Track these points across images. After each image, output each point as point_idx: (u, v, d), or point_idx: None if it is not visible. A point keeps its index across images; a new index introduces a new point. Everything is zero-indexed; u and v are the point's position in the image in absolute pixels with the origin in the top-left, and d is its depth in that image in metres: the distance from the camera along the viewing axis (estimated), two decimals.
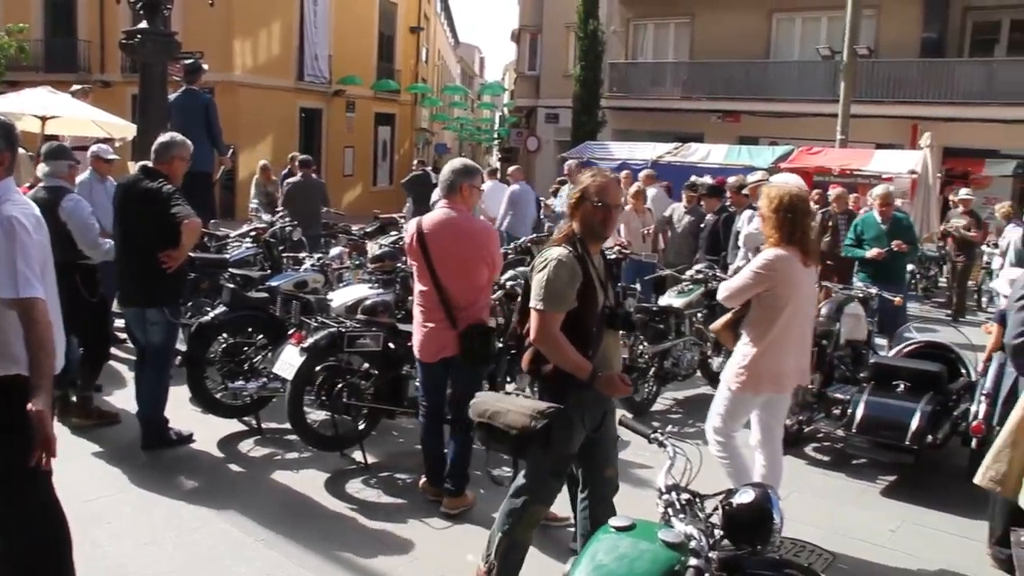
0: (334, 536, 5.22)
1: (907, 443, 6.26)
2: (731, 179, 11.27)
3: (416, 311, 5.57)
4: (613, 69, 27.88)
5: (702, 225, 10.94)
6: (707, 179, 12.76)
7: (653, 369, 8.08)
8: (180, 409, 6.96)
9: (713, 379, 9.06)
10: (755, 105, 24.62)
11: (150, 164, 6.24)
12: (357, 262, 8.73)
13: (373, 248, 9.50)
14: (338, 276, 8.70)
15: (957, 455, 6.70)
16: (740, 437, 5.33)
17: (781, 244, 4.99)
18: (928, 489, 6.45)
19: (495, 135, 47.26)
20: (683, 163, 17.82)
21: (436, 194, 14.28)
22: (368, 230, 12.45)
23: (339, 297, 7.41)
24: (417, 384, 5.90)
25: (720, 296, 5.36)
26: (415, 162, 23.30)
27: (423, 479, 5.85)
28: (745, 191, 10.13)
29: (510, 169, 15.01)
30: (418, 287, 5.55)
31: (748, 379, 5.12)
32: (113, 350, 8.10)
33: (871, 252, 9.29)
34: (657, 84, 27.15)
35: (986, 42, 23.28)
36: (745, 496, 3.17)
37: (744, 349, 5.15)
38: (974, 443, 6.22)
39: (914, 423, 6.29)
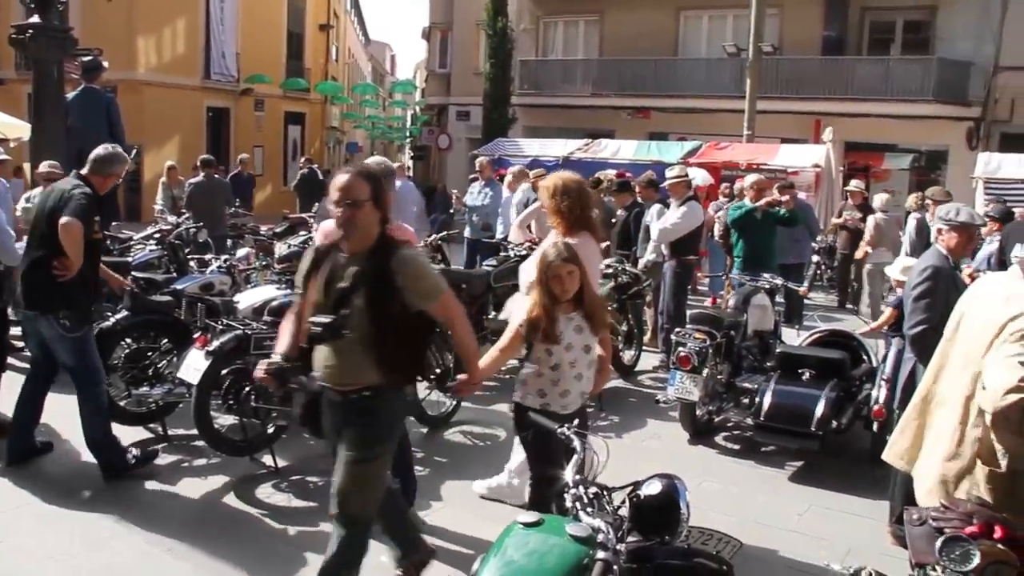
0: (246, 543, 5.12)
1: (813, 429, 6.43)
2: (650, 175, 11.33)
3: None
4: (523, 67, 27.97)
5: (613, 220, 11.01)
6: (610, 173, 12.84)
7: None
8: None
9: (625, 372, 9.17)
10: (664, 101, 24.96)
11: (84, 171, 5.97)
12: (264, 262, 8.57)
13: (281, 248, 9.34)
14: (245, 277, 8.53)
15: (860, 439, 6.91)
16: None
17: (570, 231, 5.06)
18: (833, 473, 6.61)
19: (407, 133, 46.98)
20: (594, 159, 17.98)
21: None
22: (277, 230, 12.26)
23: (246, 299, 7.25)
24: None
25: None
26: (302, 160, 23.07)
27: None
28: (664, 185, 10.21)
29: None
30: None
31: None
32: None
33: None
34: (567, 81, 27.34)
35: (882, 41, 24.01)
36: (652, 487, 3.20)
37: None
38: (876, 426, 6.45)
39: (819, 410, 6.45)
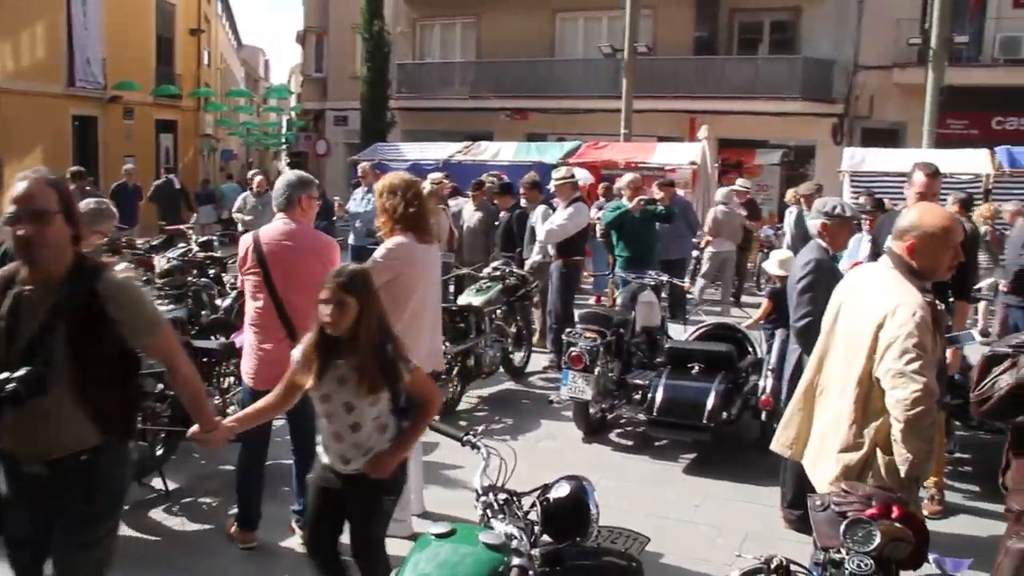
0: (138, 571, 4.93)
1: (704, 422, 6.60)
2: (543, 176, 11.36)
3: (249, 333, 5.16)
4: (401, 70, 27.83)
5: (496, 223, 11.05)
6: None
7: (456, 368, 8.09)
8: None
9: (516, 374, 9.23)
10: (542, 102, 25.22)
11: None
12: (145, 277, 8.27)
13: (161, 262, 9.04)
14: None
15: (750, 428, 7.11)
16: None
17: (395, 230, 5.09)
18: (726, 463, 6.79)
19: (282, 139, 46.15)
20: (474, 162, 18.00)
21: (239, 202, 13.84)
22: (154, 243, 11.85)
23: None
24: (216, 404, 5.64)
25: None
26: (164, 169, 22.48)
27: (233, 524, 5.32)
28: (550, 187, 10.28)
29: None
30: (252, 306, 5.13)
31: None
32: None
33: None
34: (445, 84, 27.32)
35: (751, 41, 24.81)
36: (561, 490, 3.23)
37: None
38: (764, 415, 6.66)
39: (709, 402, 6.62)
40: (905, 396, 3.29)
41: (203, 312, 8.49)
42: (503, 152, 18.77)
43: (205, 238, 11.57)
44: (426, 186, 11.63)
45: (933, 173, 5.82)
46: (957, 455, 6.85)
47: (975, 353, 7.25)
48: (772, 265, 7.36)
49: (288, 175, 5.36)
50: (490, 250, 10.91)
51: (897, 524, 2.56)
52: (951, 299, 5.83)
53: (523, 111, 25.91)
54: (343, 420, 3.69)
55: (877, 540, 2.49)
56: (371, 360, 3.58)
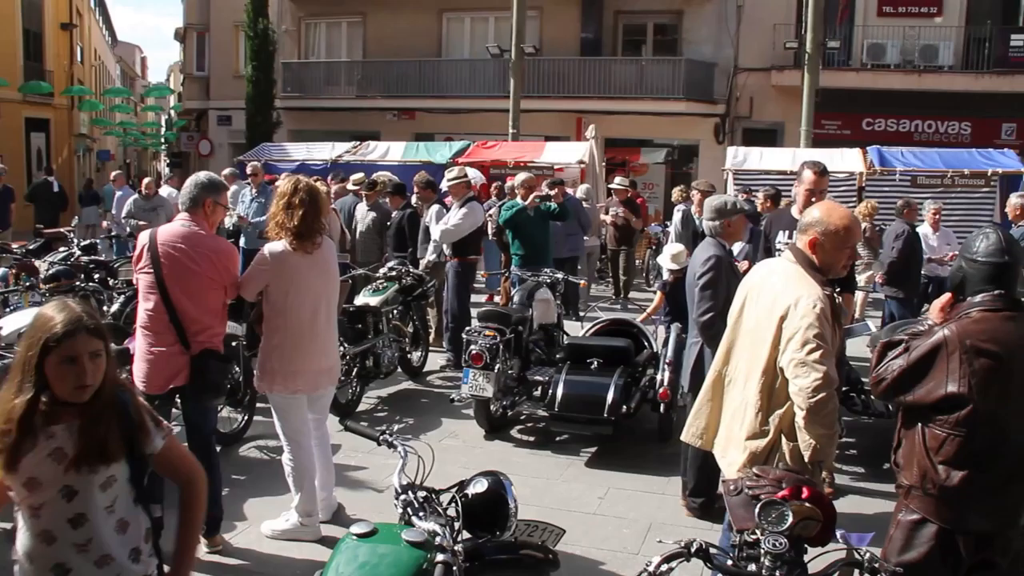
0: None
1: (605, 415, 6.72)
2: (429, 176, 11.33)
3: (140, 336, 5.05)
4: (286, 69, 27.35)
5: (388, 223, 11.00)
6: (387, 175, 12.77)
7: (355, 369, 8.04)
8: None
9: (414, 374, 9.23)
10: (430, 102, 25.22)
11: None
12: (28, 283, 7.95)
13: (44, 266, 8.69)
14: (3, 300, 7.89)
15: (648, 420, 7.28)
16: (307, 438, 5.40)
17: (279, 236, 5.11)
18: (627, 455, 6.93)
19: (163, 140, 44.86)
20: (362, 162, 17.85)
21: (128, 206, 13.39)
22: (31, 247, 11.39)
23: (9, 323, 6.69)
24: None
25: (240, 289, 5.33)
26: (44, 170, 21.64)
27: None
28: (444, 187, 10.29)
29: (224, 172, 14.29)
30: (144, 307, 5.01)
31: (261, 377, 5.24)
32: None
33: None
34: (332, 83, 27.00)
35: (635, 43, 25.37)
36: (479, 486, 3.28)
37: (261, 346, 5.27)
38: (662, 408, 6.84)
39: (609, 396, 6.74)
40: (807, 385, 3.47)
41: None
42: (392, 152, 18.68)
43: (88, 242, 11.17)
44: (336, 187, 11.55)
45: (821, 171, 6.09)
46: (844, 439, 7.16)
47: (860, 343, 7.65)
48: (666, 260, 7.56)
49: (200, 176, 5.24)
50: (384, 250, 10.85)
51: (807, 504, 2.69)
52: (838, 292, 6.10)
53: (410, 111, 25.86)
54: (59, 513, 2.62)
55: (789, 520, 2.61)
56: (108, 418, 2.63)
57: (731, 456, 3.94)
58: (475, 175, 15.11)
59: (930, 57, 22.27)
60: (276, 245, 5.10)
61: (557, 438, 7.36)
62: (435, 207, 10.23)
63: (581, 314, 10.58)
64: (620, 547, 5.32)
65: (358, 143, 19.57)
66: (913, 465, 3.35)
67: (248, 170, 12.70)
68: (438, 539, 2.95)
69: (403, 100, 25.70)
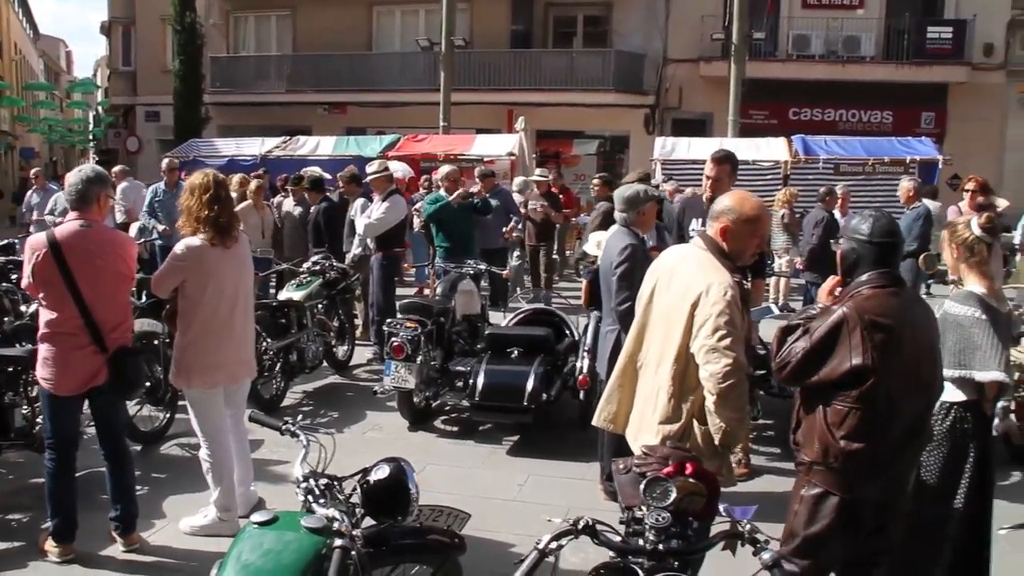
0: None
1: (526, 404, 6.77)
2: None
3: (49, 342, 4.83)
4: (215, 63, 27.01)
5: (309, 218, 10.91)
6: (316, 170, 12.70)
7: (279, 364, 7.98)
8: None
9: (340, 368, 9.20)
10: (361, 96, 25.10)
11: None
12: None
13: None
14: None
15: (569, 408, 7.35)
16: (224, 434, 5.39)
17: (195, 231, 5.08)
18: (548, 443, 6.99)
19: (90, 136, 43.92)
20: (292, 157, 17.72)
21: (51, 203, 13.07)
22: None
23: None
24: (25, 414, 5.37)
25: (152, 287, 5.37)
26: None
27: (47, 537, 5.00)
28: (366, 180, 10.22)
29: (115, 170, 14.06)
30: (50, 314, 4.80)
31: (178, 373, 5.22)
32: None
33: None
34: (261, 78, 26.73)
35: (566, 34, 25.53)
36: (380, 472, 3.29)
37: (176, 342, 5.26)
38: (582, 395, 6.91)
39: (529, 385, 6.79)
40: (717, 371, 3.55)
41: (6, 319, 8.03)
42: (322, 146, 18.55)
43: (5, 241, 10.88)
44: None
45: (719, 159, 6.18)
46: (760, 421, 7.31)
47: (771, 326, 7.80)
48: (591, 246, 7.63)
49: (84, 169, 5.08)
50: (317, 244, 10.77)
51: (691, 479, 2.76)
52: (748, 278, 6.22)
53: (342, 105, 25.71)
54: None
55: (673, 495, 2.67)
56: None
57: (643, 440, 3.99)
58: (402, 169, 15.10)
59: (853, 48, 22.82)
60: (193, 240, 5.04)
61: (480, 428, 7.41)
62: (360, 200, 10.20)
63: (509, 304, 10.62)
64: (538, 532, 5.31)
65: (288, 138, 19.41)
66: (814, 442, 3.45)
67: (164, 166, 12.43)
68: (336, 524, 2.98)
69: (334, 94, 25.55)
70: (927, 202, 10.74)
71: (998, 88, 23.04)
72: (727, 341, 3.57)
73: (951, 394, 3.97)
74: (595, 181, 10.67)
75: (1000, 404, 4.23)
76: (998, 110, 23.04)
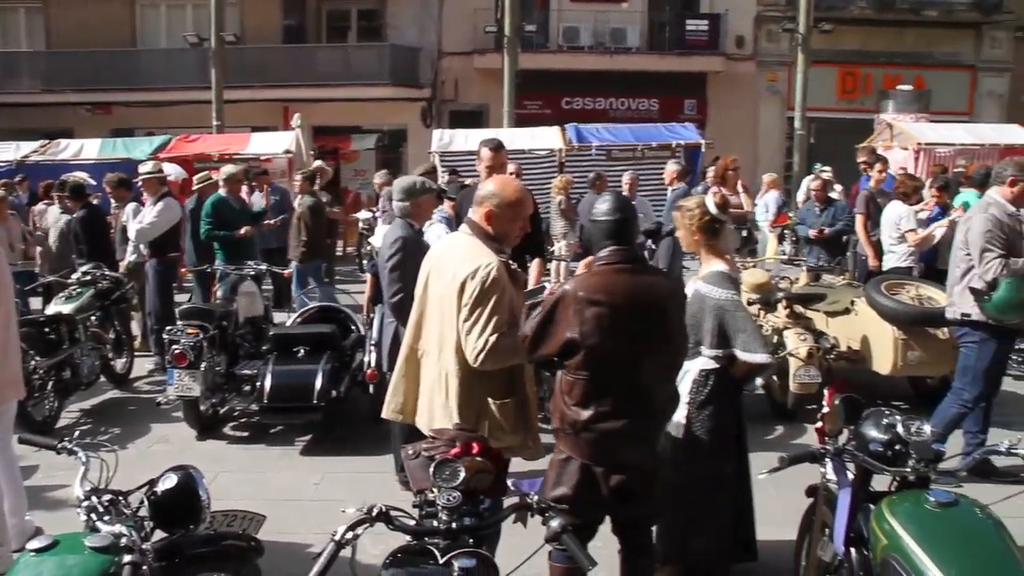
0: None
1: (315, 402, 6.75)
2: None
3: None
4: None
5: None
6: (82, 175, 12.04)
7: (51, 383, 7.53)
8: None
9: (119, 381, 8.79)
10: (126, 95, 23.80)
11: None
12: None
13: None
14: None
15: (360, 403, 7.38)
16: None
17: None
18: (341, 439, 7.01)
19: None
20: (53, 161, 16.60)
21: None
22: None
23: None
24: None
25: None
26: None
27: None
28: (137, 182, 9.79)
29: None
30: None
31: None
32: None
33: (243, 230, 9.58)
34: (13, 76, 24.77)
35: (340, 29, 25.30)
36: (168, 482, 3.23)
37: None
38: (371, 389, 6.95)
39: (317, 383, 6.78)
40: (480, 345, 3.77)
41: None
42: (86, 149, 17.42)
43: None
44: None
45: (495, 147, 6.35)
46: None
47: None
48: (377, 240, 7.69)
49: None
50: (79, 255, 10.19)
51: (478, 458, 2.87)
52: (528, 260, 6.43)
53: (106, 105, 24.28)
54: None
55: (462, 475, 2.77)
56: None
57: (438, 425, 4.09)
58: (175, 171, 14.51)
59: (619, 40, 23.93)
60: None
61: (271, 430, 7.30)
62: (131, 205, 9.80)
63: (294, 305, 10.48)
64: (335, 528, 5.35)
65: (47, 141, 18.13)
66: (556, 409, 3.75)
67: None
68: (124, 540, 2.89)
69: (97, 94, 24.04)
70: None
71: (750, 77, 24.87)
72: (493, 320, 3.77)
73: (706, 363, 4.28)
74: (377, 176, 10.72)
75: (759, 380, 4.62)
76: (751, 97, 24.84)
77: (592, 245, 3.82)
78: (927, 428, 3.39)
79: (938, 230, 8.72)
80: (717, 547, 4.36)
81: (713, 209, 4.40)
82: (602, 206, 3.76)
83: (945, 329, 6.97)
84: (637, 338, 3.59)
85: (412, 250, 5.38)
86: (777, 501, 4.88)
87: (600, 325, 3.53)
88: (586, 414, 3.62)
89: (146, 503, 3.19)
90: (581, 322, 3.54)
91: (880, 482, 3.53)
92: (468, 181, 11.93)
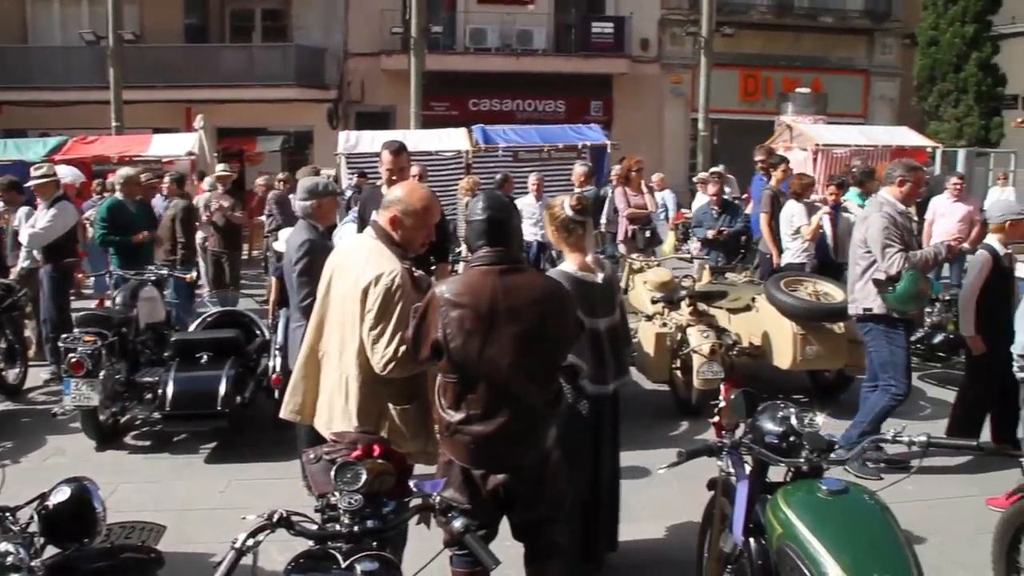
0: None
1: (219, 408, 6.62)
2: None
3: None
4: None
5: None
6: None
7: None
8: None
9: (12, 393, 8.49)
10: (17, 94, 22.92)
11: None
12: None
13: None
14: None
15: (266, 408, 7.23)
16: None
17: None
18: (247, 446, 6.90)
19: None
20: None
21: None
22: None
23: None
24: None
25: None
26: None
27: None
28: (30, 186, 9.44)
29: None
30: None
31: None
32: None
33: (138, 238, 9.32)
34: None
35: (244, 28, 24.88)
36: (60, 495, 3.14)
37: None
38: (276, 393, 6.83)
39: (221, 388, 6.65)
40: (383, 353, 3.73)
41: None
42: None
43: None
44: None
45: (396, 150, 6.32)
46: None
47: None
48: (280, 244, 7.57)
49: None
50: None
51: (380, 460, 2.86)
52: (433, 264, 6.42)
53: None
54: None
55: (364, 478, 2.76)
56: None
57: (337, 428, 4.05)
58: (71, 173, 14.07)
59: (526, 41, 24.12)
60: None
61: (174, 439, 7.14)
62: (23, 209, 9.49)
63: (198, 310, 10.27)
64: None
65: None
66: (435, 412, 3.77)
67: None
68: (11, 559, 2.79)
69: None
70: None
71: (655, 79, 25.33)
72: (392, 325, 3.72)
73: None
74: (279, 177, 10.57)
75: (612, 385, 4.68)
76: (656, 99, 25.29)
77: (470, 246, 3.81)
78: (819, 419, 3.50)
79: (824, 218, 9.02)
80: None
81: (569, 211, 4.52)
82: (476, 206, 3.76)
83: (841, 324, 7.22)
84: (503, 340, 3.55)
85: (319, 252, 5.31)
86: (680, 495, 4.98)
87: (462, 327, 3.51)
88: (458, 416, 3.60)
89: (36, 518, 3.09)
90: (445, 324, 3.52)
91: (776, 473, 3.62)
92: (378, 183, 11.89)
